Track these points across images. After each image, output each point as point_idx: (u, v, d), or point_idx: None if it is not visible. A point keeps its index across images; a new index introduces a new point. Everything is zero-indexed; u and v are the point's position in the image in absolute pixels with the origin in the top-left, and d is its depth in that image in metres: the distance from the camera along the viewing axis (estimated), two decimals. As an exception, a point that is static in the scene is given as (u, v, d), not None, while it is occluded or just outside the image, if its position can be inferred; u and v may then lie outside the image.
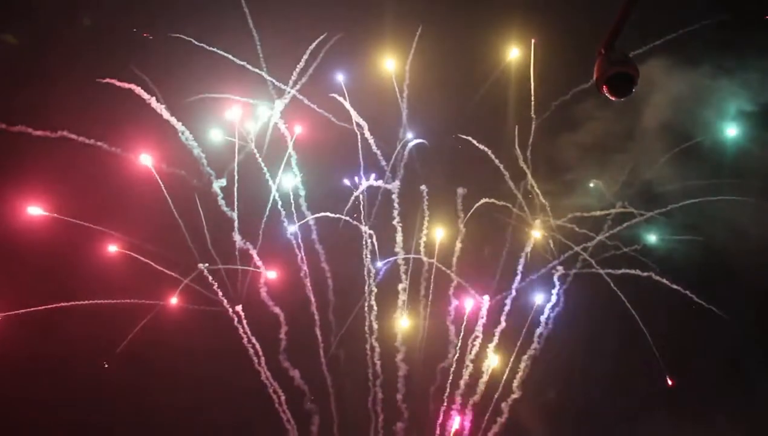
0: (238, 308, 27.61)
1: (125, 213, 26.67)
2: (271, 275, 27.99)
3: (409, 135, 28.39)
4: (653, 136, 25.88)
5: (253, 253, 27.88)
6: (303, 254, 28.35)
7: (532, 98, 27.33)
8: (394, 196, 28.26)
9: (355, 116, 27.59)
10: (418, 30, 27.52)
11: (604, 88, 12.38)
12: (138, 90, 25.87)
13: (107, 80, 25.39)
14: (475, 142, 27.63)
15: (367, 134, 27.77)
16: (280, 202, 27.93)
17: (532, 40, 26.94)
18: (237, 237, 27.59)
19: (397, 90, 27.90)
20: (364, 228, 28.14)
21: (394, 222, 28.23)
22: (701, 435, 25.83)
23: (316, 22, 26.87)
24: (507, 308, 28.02)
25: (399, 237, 28.30)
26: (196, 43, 25.87)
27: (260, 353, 27.59)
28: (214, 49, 26.03)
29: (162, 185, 26.47)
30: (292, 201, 28.11)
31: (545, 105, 27.41)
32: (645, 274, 26.76)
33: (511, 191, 28.01)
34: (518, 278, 28.18)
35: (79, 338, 25.59)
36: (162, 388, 26.52)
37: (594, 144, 26.33)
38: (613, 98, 12.49)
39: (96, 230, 26.16)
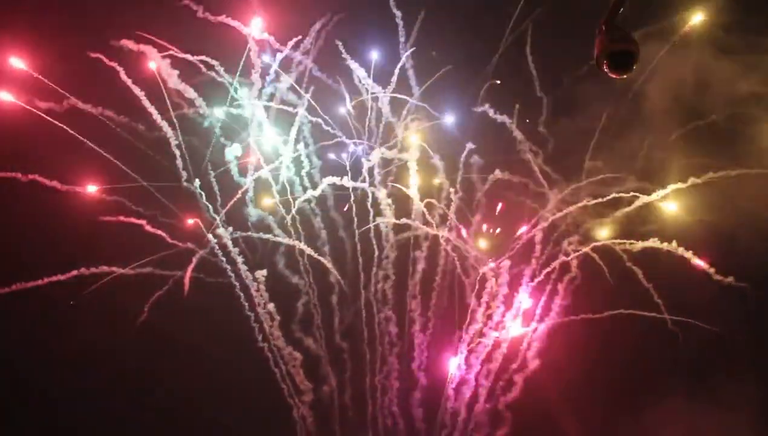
0: (261, 273, 27.62)
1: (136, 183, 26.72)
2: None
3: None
4: (669, 112, 25.34)
5: (270, 222, 27.94)
6: (320, 221, 28.41)
7: (535, 77, 26.83)
8: (410, 165, 27.96)
9: (370, 83, 27.27)
10: (421, 15, 27.04)
11: (605, 65, 12.25)
12: (152, 52, 25.75)
13: (122, 41, 25.31)
14: (491, 112, 27.25)
15: (382, 103, 27.52)
16: (294, 171, 27.98)
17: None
18: (251, 207, 27.71)
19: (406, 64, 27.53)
20: (382, 195, 27.94)
21: (411, 192, 28.02)
22: (723, 408, 25.85)
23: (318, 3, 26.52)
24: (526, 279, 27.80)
25: (415, 206, 28.10)
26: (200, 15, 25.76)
27: (275, 318, 27.60)
28: (221, 18, 25.86)
29: (177, 154, 26.76)
30: (305, 165, 27.99)
31: (556, 81, 26.84)
32: (665, 247, 26.26)
33: (526, 167, 27.59)
34: (537, 248, 27.84)
35: (96, 308, 25.99)
36: (181, 353, 26.99)
37: (608, 120, 26.12)
38: (614, 75, 12.37)
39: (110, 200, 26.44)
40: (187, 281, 26.69)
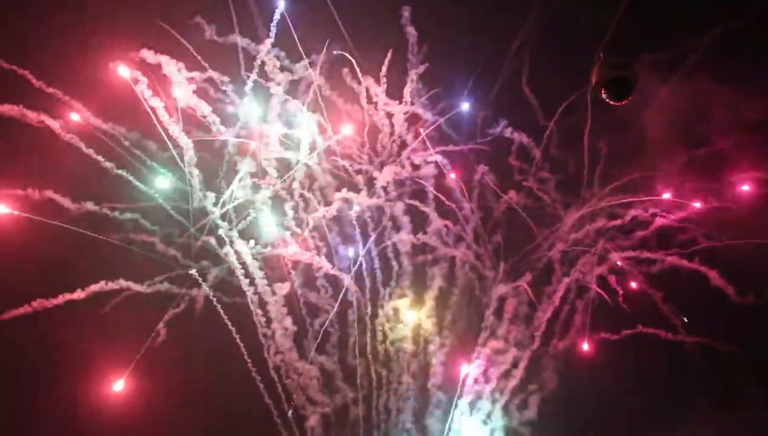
0: (283, 287, 27.58)
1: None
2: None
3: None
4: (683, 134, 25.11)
5: (288, 237, 27.94)
6: (340, 237, 28.37)
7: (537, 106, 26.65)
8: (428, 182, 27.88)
9: (383, 99, 27.23)
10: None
11: (603, 92, 12.19)
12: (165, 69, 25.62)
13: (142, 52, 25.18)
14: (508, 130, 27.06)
15: (397, 120, 27.46)
16: (307, 187, 28.03)
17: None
18: (272, 222, 27.72)
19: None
20: (398, 212, 27.90)
21: (429, 209, 27.95)
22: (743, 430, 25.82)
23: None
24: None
25: (432, 224, 28.01)
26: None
27: (290, 333, 27.60)
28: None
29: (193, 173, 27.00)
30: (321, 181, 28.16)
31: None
32: (686, 264, 25.97)
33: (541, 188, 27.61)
34: (555, 268, 27.72)
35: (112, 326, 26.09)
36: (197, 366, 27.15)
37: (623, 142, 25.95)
38: (612, 102, 12.28)
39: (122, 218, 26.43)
40: (201, 298, 27.00)
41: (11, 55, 24.38)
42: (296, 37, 25.84)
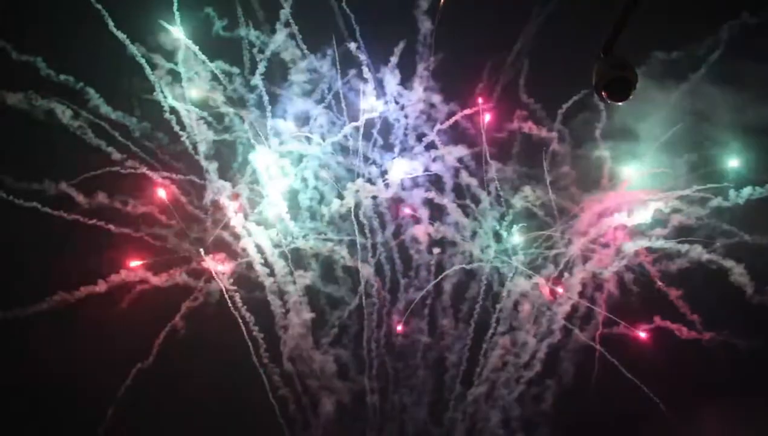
0: (304, 278, 27.68)
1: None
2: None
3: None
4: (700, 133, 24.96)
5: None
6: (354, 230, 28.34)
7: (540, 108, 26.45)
8: (445, 181, 27.74)
9: (395, 90, 27.15)
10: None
11: (603, 92, 12.14)
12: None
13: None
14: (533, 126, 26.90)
15: (410, 112, 27.37)
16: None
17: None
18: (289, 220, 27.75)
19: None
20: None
21: (448, 201, 27.81)
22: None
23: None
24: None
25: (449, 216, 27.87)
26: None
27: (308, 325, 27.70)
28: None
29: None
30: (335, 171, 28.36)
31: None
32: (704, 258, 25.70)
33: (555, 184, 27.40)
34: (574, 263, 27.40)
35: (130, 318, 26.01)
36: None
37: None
38: (612, 102, 12.24)
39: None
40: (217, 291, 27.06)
41: (21, 43, 24.13)
42: (304, 33, 25.76)
